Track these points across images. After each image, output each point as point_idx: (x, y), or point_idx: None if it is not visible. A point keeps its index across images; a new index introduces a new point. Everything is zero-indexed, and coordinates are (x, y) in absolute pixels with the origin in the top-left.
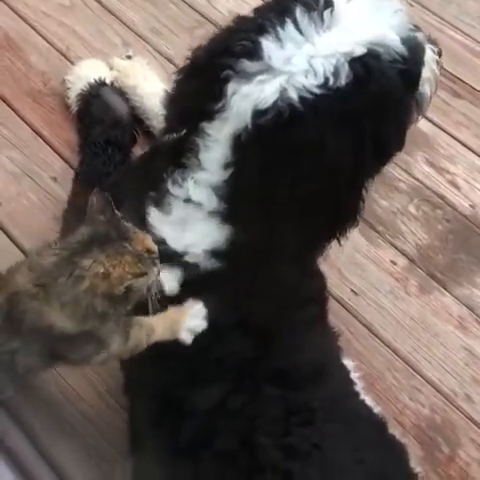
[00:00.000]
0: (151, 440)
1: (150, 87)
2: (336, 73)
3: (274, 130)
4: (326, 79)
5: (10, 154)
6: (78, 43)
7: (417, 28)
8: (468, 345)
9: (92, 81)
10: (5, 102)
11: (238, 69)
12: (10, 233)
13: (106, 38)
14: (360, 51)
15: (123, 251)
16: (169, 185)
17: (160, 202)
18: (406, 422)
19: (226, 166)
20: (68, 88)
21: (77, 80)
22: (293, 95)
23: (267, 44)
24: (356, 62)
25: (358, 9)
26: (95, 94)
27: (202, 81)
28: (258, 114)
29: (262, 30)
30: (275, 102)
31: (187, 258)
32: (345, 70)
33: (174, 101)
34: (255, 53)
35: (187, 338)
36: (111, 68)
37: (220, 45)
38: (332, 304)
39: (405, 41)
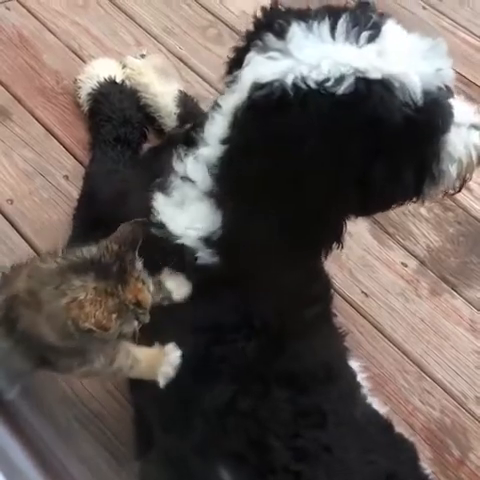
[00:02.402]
0: (160, 440)
1: (163, 86)
2: (339, 79)
3: (262, 109)
4: (326, 79)
5: (22, 152)
6: (91, 42)
7: (449, 92)
8: (479, 348)
9: (102, 80)
10: (18, 100)
11: (263, 42)
12: (22, 231)
13: (119, 37)
14: (374, 75)
15: (111, 293)
16: (174, 162)
17: (165, 184)
18: (416, 424)
19: (223, 141)
20: (79, 88)
21: (88, 79)
22: (289, 80)
23: (295, 29)
24: (364, 81)
25: (403, 46)
26: (105, 93)
27: (242, 49)
28: (255, 88)
29: (303, 17)
30: (272, 81)
31: (183, 241)
32: (349, 81)
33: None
34: (282, 32)
35: (162, 382)
36: (124, 66)
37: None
38: (342, 305)
39: (426, 92)
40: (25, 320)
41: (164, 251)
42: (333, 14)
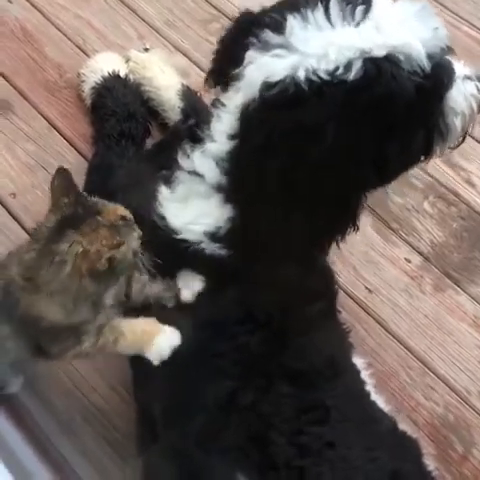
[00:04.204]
0: (162, 435)
1: (167, 79)
2: (347, 66)
3: (277, 106)
4: (336, 68)
5: (25, 146)
6: (94, 36)
7: (450, 50)
8: None
9: (106, 74)
10: (21, 94)
11: (261, 39)
12: (25, 225)
13: (121, 31)
14: (379, 53)
15: (97, 225)
16: (179, 157)
17: (170, 179)
18: (419, 420)
19: (232, 137)
20: (83, 81)
21: (91, 73)
22: (301, 74)
23: (292, 21)
24: (371, 62)
25: (396, 15)
26: (109, 87)
27: (232, 47)
28: (267, 87)
29: (294, 8)
30: (284, 78)
31: (184, 236)
32: (357, 66)
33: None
34: (280, 27)
35: (154, 359)
36: (128, 60)
37: (258, 15)
38: (346, 301)
39: (431, 57)
40: (24, 304)
41: (164, 244)
42: None
